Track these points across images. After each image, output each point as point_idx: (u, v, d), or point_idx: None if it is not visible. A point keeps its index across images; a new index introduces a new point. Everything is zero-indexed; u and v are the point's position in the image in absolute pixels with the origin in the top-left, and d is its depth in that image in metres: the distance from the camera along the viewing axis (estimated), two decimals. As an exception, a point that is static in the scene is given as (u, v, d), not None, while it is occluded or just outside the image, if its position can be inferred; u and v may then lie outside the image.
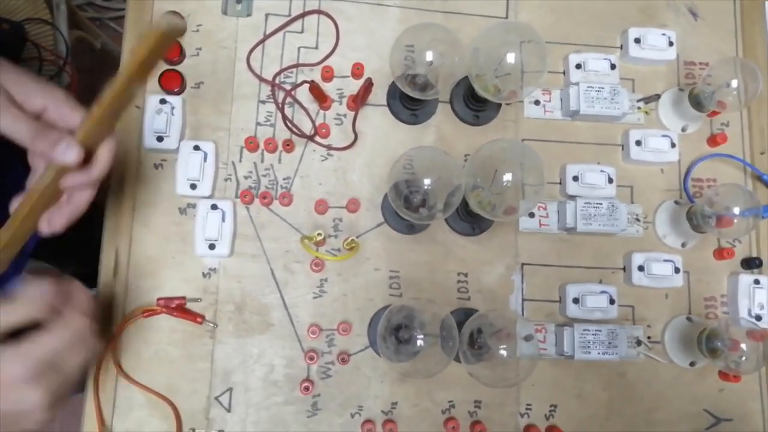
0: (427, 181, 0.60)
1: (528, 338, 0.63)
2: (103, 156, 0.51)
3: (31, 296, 0.47)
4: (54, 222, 0.52)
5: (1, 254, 0.50)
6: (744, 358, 0.63)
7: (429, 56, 0.63)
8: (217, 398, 0.66)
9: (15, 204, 0.51)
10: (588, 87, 0.72)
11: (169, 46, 0.48)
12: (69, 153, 0.48)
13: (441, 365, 0.59)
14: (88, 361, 0.50)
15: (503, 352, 0.59)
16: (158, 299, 0.65)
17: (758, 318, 0.70)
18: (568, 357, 0.69)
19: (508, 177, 0.60)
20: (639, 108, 0.75)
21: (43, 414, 0.47)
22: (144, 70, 0.47)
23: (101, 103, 0.47)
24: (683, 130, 0.75)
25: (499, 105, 0.74)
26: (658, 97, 0.75)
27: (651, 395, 0.70)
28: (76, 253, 1.14)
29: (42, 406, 0.46)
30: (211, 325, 0.66)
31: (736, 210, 0.66)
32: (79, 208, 0.53)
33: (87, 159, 0.50)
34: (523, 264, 0.72)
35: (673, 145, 0.73)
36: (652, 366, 0.71)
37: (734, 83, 0.68)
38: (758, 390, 0.71)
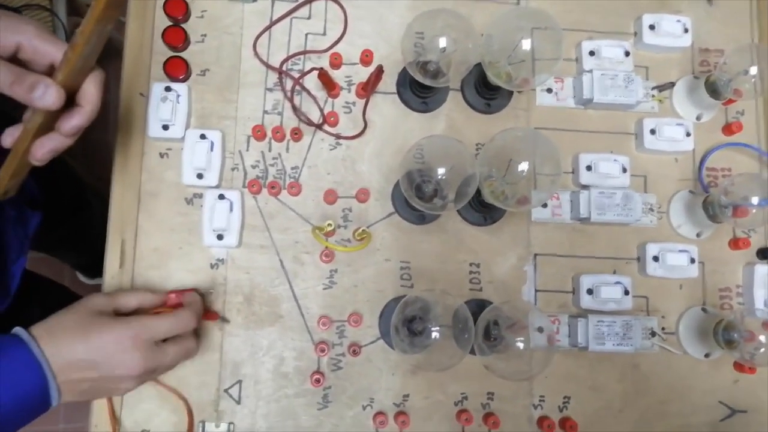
0: (440, 171, 0.59)
1: (541, 330, 0.62)
2: (91, 91, 0.50)
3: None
4: (35, 153, 0.50)
5: (12, 182, 0.53)
6: (761, 349, 0.63)
7: (442, 42, 0.62)
8: (226, 390, 0.65)
9: (7, 136, 0.50)
10: (602, 74, 0.71)
11: None
12: (47, 96, 0.46)
13: (456, 358, 0.58)
14: (182, 357, 0.59)
15: (520, 345, 0.58)
16: (169, 292, 0.62)
17: (774, 308, 0.69)
18: (581, 348, 0.68)
19: (523, 166, 0.59)
20: (653, 96, 0.74)
21: (131, 384, 0.56)
22: (111, 8, 0.46)
23: (74, 47, 0.46)
24: (698, 118, 0.74)
25: (511, 93, 0.72)
26: (672, 84, 0.74)
27: (665, 387, 0.69)
28: (75, 244, 1.13)
29: (134, 377, 0.55)
30: (225, 320, 0.65)
31: (754, 200, 0.65)
32: (63, 144, 0.51)
33: (72, 98, 0.49)
34: (535, 254, 0.70)
35: (688, 134, 0.71)
36: (666, 357, 0.70)
37: (753, 70, 0.67)
38: (773, 381, 0.70)
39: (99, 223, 0.68)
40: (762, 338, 0.62)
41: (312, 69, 0.68)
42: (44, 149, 0.50)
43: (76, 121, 0.49)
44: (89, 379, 0.53)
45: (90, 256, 1.21)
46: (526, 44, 0.62)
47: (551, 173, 0.59)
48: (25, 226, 0.78)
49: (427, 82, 0.64)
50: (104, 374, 0.53)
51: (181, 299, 0.61)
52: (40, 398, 0.51)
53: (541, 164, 0.59)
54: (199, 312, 0.61)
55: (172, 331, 0.57)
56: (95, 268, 0.67)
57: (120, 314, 0.57)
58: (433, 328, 0.56)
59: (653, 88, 0.74)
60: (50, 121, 0.49)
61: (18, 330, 0.52)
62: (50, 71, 0.48)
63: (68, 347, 0.52)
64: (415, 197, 0.60)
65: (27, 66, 0.48)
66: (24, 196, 0.77)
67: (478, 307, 0.66)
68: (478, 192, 0.63)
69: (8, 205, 0.73)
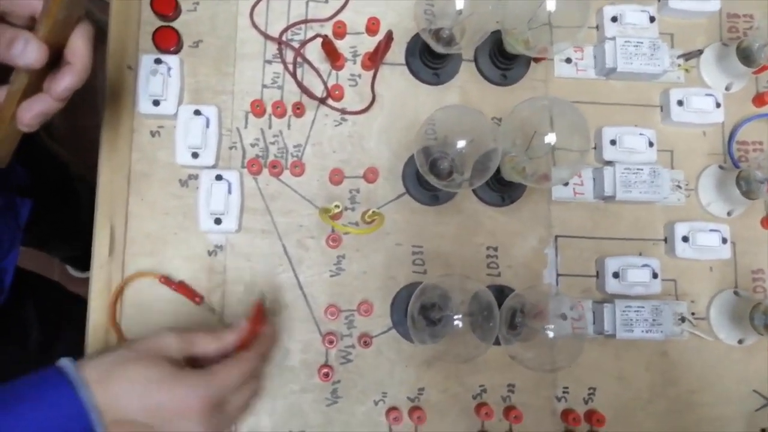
0: (459, 144, 0.53)
1: (565, 317, 0.57)
2: (79, 46, 0.44)
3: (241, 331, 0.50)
4: (22, 117, 0.44)
5: (2, 151, 0.47)
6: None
7: (459, 4, 0.56)
8: (227, 388, 0.60)
9: None
10: (625, 42, 0.66)
11: None
12: (29, 53, 0.41)
13: (480, 349, 0.53)
14: (247, 408, 0.51)
15: (549, 333, 0.53)
16: (249, 320, 0.52)
17: (810, 290, 0.65)
18: (608, 336, 0.63)
19: (549, 139, 0.54)
20: (679, 65, 0.69)
21: None
22: None
23: None
24: (727, 88, 0.69)
25: (528, 62, 0.67)
26: (700, 52, 0.69)
27: (695, 375, 0.65)
28: (63, 235, 1.08)
29: None
30: (213, 309, 0.60)
31: (793, 173, 0.60)
32: (52, 107, 0.45)
33: (59, 55, 0.44)
34: (557, 236, 0.66)
35: (717, 105, 0.67)
36: (696, 344, 0.65)
37: (791, 34, 0.62)
38: (809, 367, 0.66)
39: (87, 213, 0.63)
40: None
41: (316, 36, 0.62)
42: (32, 113, 0.44)
43: (66, 81, 0.43)
44: None
45: (79, 248, 1.15)
46: (550, 5, 0.57)
47: (580, 146, 0.54)
48: (16, 215, 0.73)
49: (440, 49, 0.59)
50: None
51: (259, 328, 0.52)
52: None
53: (569, 136, 0.54)
54: (269, 347, 0.53)
55: (242, 382, 0.49)
56: (85, 260, 0.61)
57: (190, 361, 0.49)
58: (454, 317, 0.52)
59: (679, 57, 0.69)
60: (37, 82, 0.44)
61: (65, 364, 0.44)
62: (32, 26, 0.42)
63: (124, 401, 0.44)
64: (431, 174, 0.55)
65: (4, 20, 0.42)
66: (12, 182, 0.71)
67: (497, 293, 0.62)
68: (497, 169, 0.58)
69: None
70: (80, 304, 0.96)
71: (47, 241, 1.08)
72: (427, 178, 0.55)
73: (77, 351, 0.58)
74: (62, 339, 0.86)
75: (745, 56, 0.65)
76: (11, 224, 0.70)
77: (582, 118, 0.54)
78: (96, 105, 0.62)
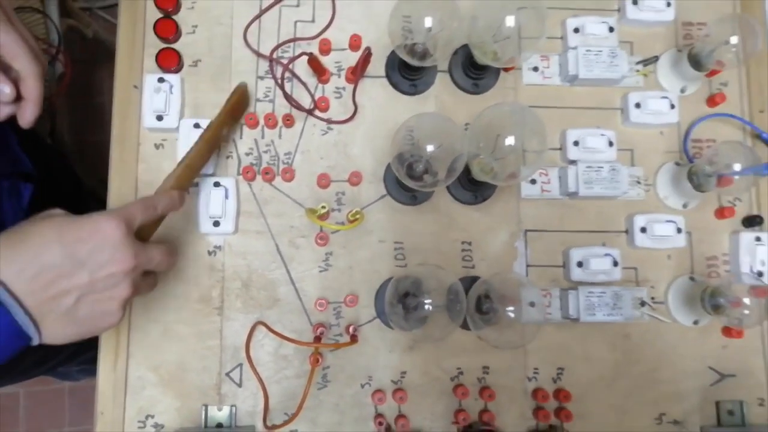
0: (430, 148, 0.60)
1: (533, 304, 0.63)
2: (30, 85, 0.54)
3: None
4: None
5: None
6: (747, 312, 0.64)
7: (428, 23, 0.63)
8: (227, 374, 0.66)
9: None
10: (586, 50, 0.72)
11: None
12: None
13: (449, 329, 0.59)
14: (164, 266, 0.55)
15: (511, 315, 0.59)
16: None
17: (760, 274, 0.71)
18: (573, 320, 0.69)
19: (510, 141, 0.60)
20: (638, 71, 0.75)
21: (124, 290, 0.48)
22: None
23: None
24: (682, 91, 0.75)
25: (498, 72, 0.73)
26: (656, 58, 0.75)
27: (656, 355, 0.71)
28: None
29: (127, 273, 0.48)
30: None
31: (737, 167, 0.66)
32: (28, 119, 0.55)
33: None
34: (526, 230, 0.72)
35: (672, 107, 0.72)
36: (656, 326, 0.71)
37: (733, 40, 0.68)
38: (761, 346, 0.72)
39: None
40: (747, 301, 0.64)
41: (302, 53, 0.69)
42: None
43: (28, 115, 0.54)
44: (75, 287, 0.45)
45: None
46: (510, 21, 0.63)
47: (538, 147, 0.60)
48: (19, 197, 0.79)
49: (415, 62, 0.65)
50: (94, 277, 0.45)
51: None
52: (8, 331, 0.42)
53: (527, 138, 0.60)
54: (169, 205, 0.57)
55: (151, 217, 0.53)
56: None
57: None
58: (425, 302, 0.58)
59: (638, 63, 0.75)
60: None
61: None
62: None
63: (37, 254, 0.43)
64: (406, 176, 0.61)
65: None
66: (17, 169, 0.78)
67: (472, 283, 0.68)
68: (468, 170, 0.64)
69: (2, 177, 0.75)
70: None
71: None
72: (402, 180, 0.61)
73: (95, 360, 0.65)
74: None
75: (696, 62, 0.71)
76: (15, 206, 0.76)
77: (539, 121, 0.60)
78: (102, 122, 0.69)
